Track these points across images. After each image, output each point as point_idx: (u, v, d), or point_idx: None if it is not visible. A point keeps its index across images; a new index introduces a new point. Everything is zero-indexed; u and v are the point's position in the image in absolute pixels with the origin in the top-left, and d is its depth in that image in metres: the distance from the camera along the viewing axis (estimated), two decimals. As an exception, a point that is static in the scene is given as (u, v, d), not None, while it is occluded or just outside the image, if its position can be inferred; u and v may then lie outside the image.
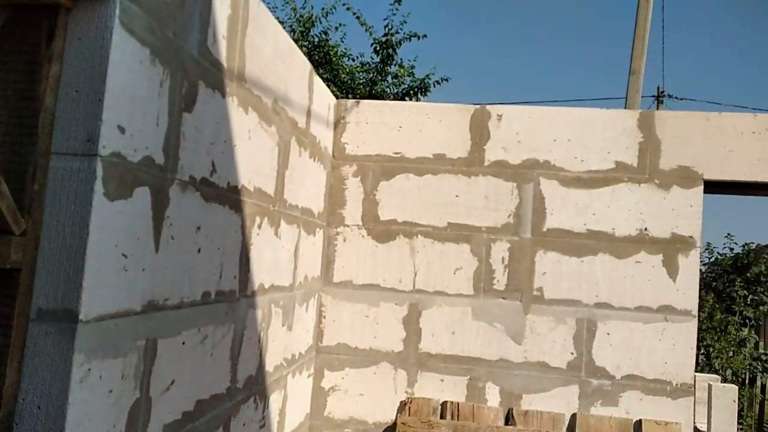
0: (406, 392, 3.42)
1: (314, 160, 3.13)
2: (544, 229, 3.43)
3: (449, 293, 3.46)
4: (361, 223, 3.52)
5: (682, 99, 16.95)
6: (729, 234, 8.87)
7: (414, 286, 3.47)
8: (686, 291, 3.31)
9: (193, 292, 1.90)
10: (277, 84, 2.50)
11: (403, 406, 3.38)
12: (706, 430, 3.32)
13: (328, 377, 3.47)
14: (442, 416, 3.31)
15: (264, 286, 2.48)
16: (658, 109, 17.51)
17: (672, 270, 3.32)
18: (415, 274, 3.48)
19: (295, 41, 7.99)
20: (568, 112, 3.48)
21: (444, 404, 3.36)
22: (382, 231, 3.51)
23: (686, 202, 3.33)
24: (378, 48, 8.14)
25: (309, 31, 8.23)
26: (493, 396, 3.37)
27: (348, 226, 3.53)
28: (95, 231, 1.42)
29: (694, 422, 3.39)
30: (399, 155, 3.54)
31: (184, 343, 1.86)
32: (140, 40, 1.54)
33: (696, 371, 8.02)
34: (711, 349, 8.08)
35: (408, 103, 3.67)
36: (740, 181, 3.35)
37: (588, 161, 3.43)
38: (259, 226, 2.38)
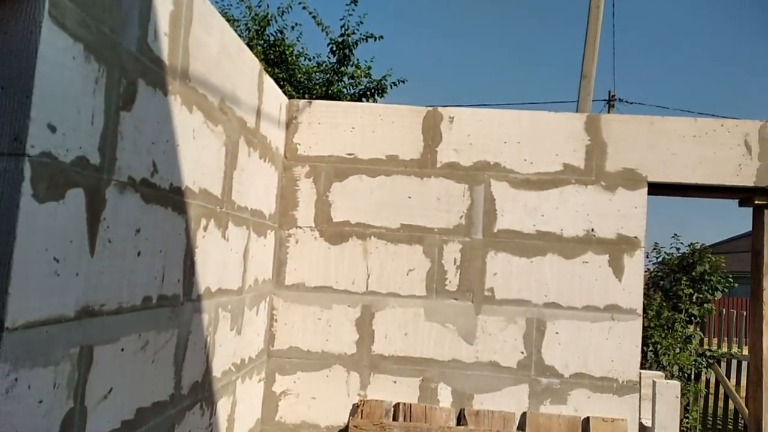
0: (359, 395, 3.40)
1: (265, 161, 3.08)
2: (495, 230, 3.47)
3: (402, 294, 3.46)
4: (313, 225, 3.49)
5: (632, 103, 17.52)
6: (676, 234, 9.18)
7: (367, 288, 3.46)
8: (631, 290, 3.40)
9: (133, 297, 1.83)
10: (224, 82, 2.45)
11: (355, 408, 3.36)
12: (651, 425, 3.41)
13: (280, 381, 3.42)
14: (395, 418, 3.31)
15: (210, 290, 2.42)
16: (609, 112, 18.03)
17: (618, 270, 3.41)
18: (368, 276, 3.47)
19: (250, 39, 7.89)
20: (518, 115, 3.54)
21: (396, 406, 3.36)
22: (335, 232, 3.49)
23: (631, 203, 3.43)
24: (334, 48, 8.10)
25: (264, 29, 8.12)
26: (445, 396, 3.39)
27: (300, 227, 3.49)
28: (23, 234, 1.36)
29: (640, 418, 3.49)
30: (352, 156, 3.52)
31: (123, 350, 1.80)
32: (73, 35, 1.48)
33: (645, 368, 8.26)
34: (659, 346, 8.32)
35: (361, 104, 3.66)
36: (682, 183, 3.46)
37: (537, 163, 3.49)
38: (205, 228, 2.33)
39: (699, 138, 3.44)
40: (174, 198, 2.06)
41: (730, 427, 9.01)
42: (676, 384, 3.34)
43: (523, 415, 3.36)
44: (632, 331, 3.39)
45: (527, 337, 3.41)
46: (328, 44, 8.13)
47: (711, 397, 9.15)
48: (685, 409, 8.60)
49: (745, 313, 10.16)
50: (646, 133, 3.45)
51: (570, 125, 3.49)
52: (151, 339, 1.96)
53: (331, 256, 3.47)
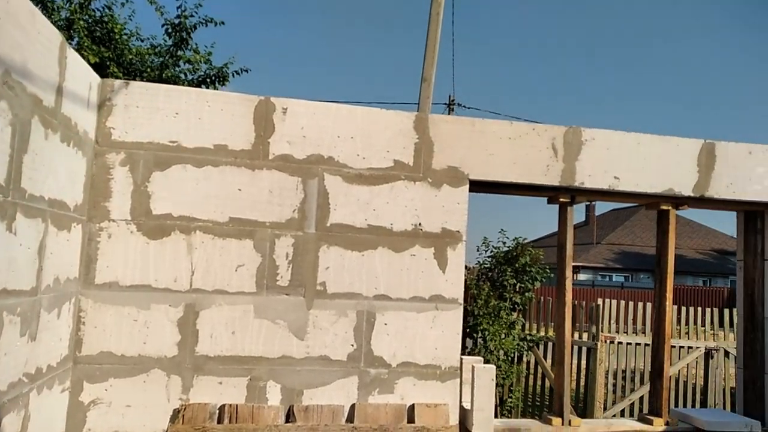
0: (181, 399, 3.19)
1: (69, 145, 2.75)
2: (328, 225, 3.46)
3: (230, 291, 3.31)
4: (130, 218, 3.20)
5: (469, 108, 18.74)
6: (503, 230, 9.96)
7: (191, 286, 3.26)
8: (454, 281, 3.59)
9: None
10: (11, 53, 2.13)
11: (176, 414, 3.15)
12: (470, 407, 3.63)
13: (89, 390, 3.09)
14: (220, 420, 3.16)
15: (-10, 291, 2.09)
16: (450, 115, 19.11)
17: (442, 262, 3.58)
18: (193, 273, 3.27)
19: (72, 12, 7.09)
20: (352, 111, 3.56)
21: (222, 408, 3.21)
22: (155, 226, 3.23)
23: (455, 199, 3.62)
24: (170, 30, 7.58)
25: (89, 3, 7.35)
26: (274, 394, 3.31)
27: (114, 220, 3.18)
28: None
29: (461, 401, 3.70)
30: (175, 144, 3.29)
31: None
32: None
33: (475, 353, 8.81)
34: (487, 333, 8.95)
35: (186, 89, 3.43)
36: (499, 181, 3.72)
37: (370, 159, 3.54)
38: (-18, 220, 2.00)
39: (514, 140, 3.73)
40: (-66, 183, 1.73)
41: (547, 403, 10.02)
42: (491, 368, 3.59)
43: (352, 406, 3.40)
44: (454, 319, 3.58)
45: (357, 330, 3.45)
46: (163, 25, 7.59)
47: (531, 377, 10.09)
48: (510, 390, 9.40)
49: (559, 300, 11.35)
50: (468, 134, 3.66)
51: (401, 123, 3.59)
52: None
53: (150, 252, 3.21)
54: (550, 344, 10.26)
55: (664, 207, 3.99)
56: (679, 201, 3.98)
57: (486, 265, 9.82)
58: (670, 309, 4.03)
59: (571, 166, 3.79)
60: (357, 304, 3.47)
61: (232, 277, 3.31)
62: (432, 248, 3.57)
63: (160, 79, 7.26)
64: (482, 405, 3.56)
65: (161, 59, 7.61)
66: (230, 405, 3.20)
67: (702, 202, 4.02)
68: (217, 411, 3.21)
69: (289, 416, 3.29)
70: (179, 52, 7.68)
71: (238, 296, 3.31)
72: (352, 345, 3.44)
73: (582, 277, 32.21)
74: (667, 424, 3.94)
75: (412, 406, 3.46)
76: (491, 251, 9.88)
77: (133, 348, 3.15)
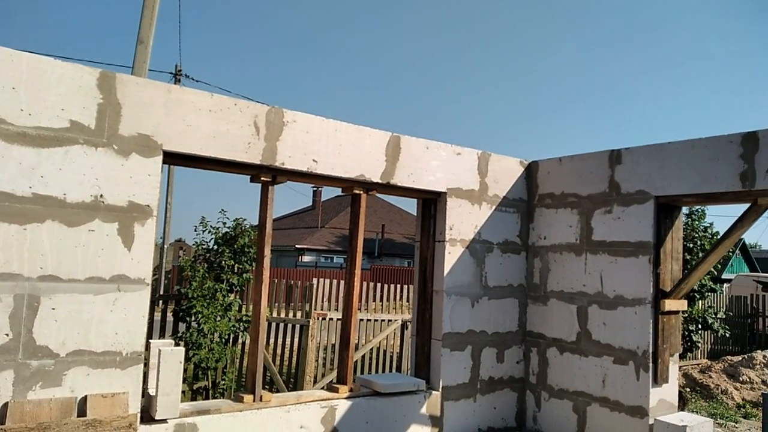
0: None
1: None
2: (-24, 191, 2.85)
3: None
4: None
5: (198, 81, 17.88)
6: (223, 210, 9.72)
7: None
8: (141, 260, 3.31)
9: None
10: None
11: None
12: (155, 393, 3.41)
13: None
14: None
15: None
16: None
17: (127, 239, 3.27)
18: None
19: None
20: (15, 56, 2.99)
21: None
22: None
23: (145, 170, 3.33)
24: None
25: None
26: None
27: None
28: None
29: (147, 387, 3.46)
30: None
31: None
32: None
33: (186, 339, 8.39)
34: (200, 316, 8.66)
35: None
36: (198, 155, 3.56)
37: (38, 116, 3.03)
38: None
39: (215, 113, 3.60)
40: None
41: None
42: (179, 350, 3.43)
43: (5, 406, 2.89)
44: (140, 301, 3.31)
45: (15, 317, 2.94)
46: None
47: (246, 357, 10.12)
48: (223, 372, 9.28)
49: (284, 282, 11.61)
50: (163, 101, 3.40)
51: (81, 79, 3.15)
52: None
53: None
54: (269, 324, 10.44)
55: (356, 191, 4.32)
56: (369, 186, 4.35)
57: (204, 246, 9.49)
58: (359, 284, 4.39)
59: (272, 146, 3.82)
60: (15, 287, 2.95)
61: None
62: (116, 223, 3.24)
63: None
64: (168, 389, 3.38)
65: None
66: None
67: (388, 188, 4.47)
68: None
69: None
70: None
71: None
72: (7, 335, 2.92)
73: (306, 258, 33.67)
74: (351, 390, 4.30)
75: (84, 398, 3.10)
76: (209, 231, 9.59)
77: None
